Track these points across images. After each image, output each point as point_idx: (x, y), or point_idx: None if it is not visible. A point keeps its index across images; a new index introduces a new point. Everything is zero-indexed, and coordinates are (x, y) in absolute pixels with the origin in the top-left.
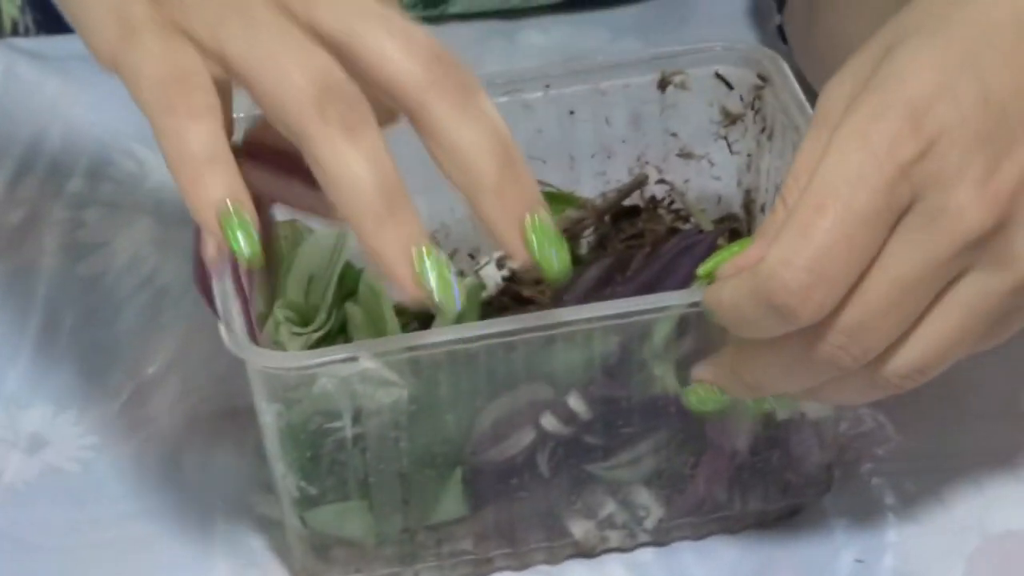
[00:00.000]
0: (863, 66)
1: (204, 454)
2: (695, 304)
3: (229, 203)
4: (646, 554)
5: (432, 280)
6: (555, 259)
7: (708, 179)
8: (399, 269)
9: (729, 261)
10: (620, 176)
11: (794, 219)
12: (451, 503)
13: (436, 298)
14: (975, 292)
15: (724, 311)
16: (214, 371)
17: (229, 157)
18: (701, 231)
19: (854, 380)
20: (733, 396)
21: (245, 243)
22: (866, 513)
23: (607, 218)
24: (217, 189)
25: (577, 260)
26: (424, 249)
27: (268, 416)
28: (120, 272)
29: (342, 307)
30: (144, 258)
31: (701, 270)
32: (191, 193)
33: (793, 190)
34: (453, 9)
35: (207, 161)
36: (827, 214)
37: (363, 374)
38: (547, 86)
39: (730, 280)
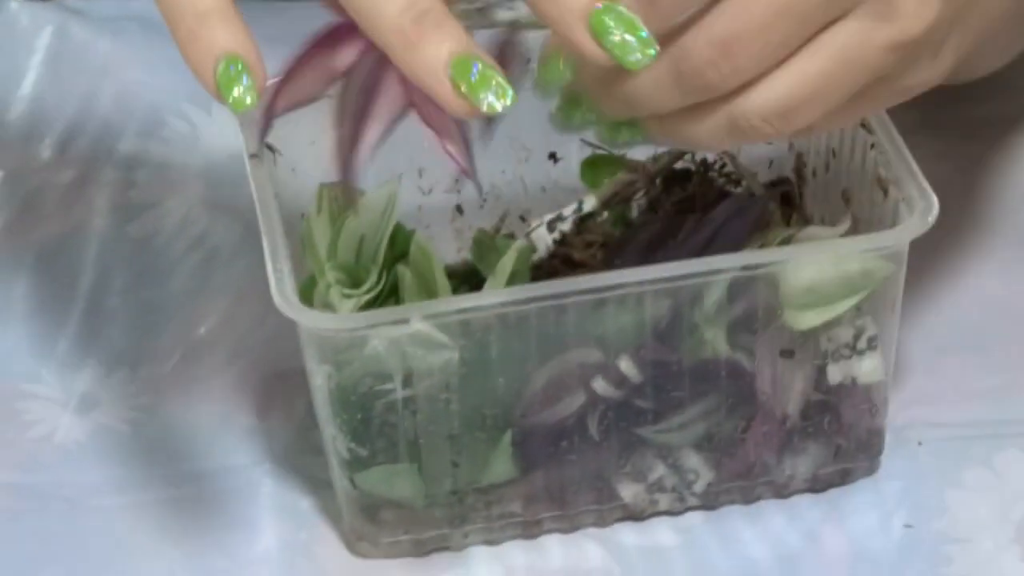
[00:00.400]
0: None
1: (254, 416)
2: (747, 268)
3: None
4: (695, 518)
5: (478, 90)
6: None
7: (759, 142)
8: (438, 88)
9: None
10: None
11: None
12: (501, 465)
13: (483, 107)
14: (850, 38)
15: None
16: (265, 333)
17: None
18: (752, 195)
19: (714, 115)
20: (594, 99)
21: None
22: (916, 479)
23: (658, 181)
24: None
25: (628, 223)
26: (462, 59)
27: (319, 378)
28: (171, 233)
29: (393, 269)
30: (195, 219)
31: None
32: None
33: None
34: None
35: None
36: None
37: (414, 336)
38: None
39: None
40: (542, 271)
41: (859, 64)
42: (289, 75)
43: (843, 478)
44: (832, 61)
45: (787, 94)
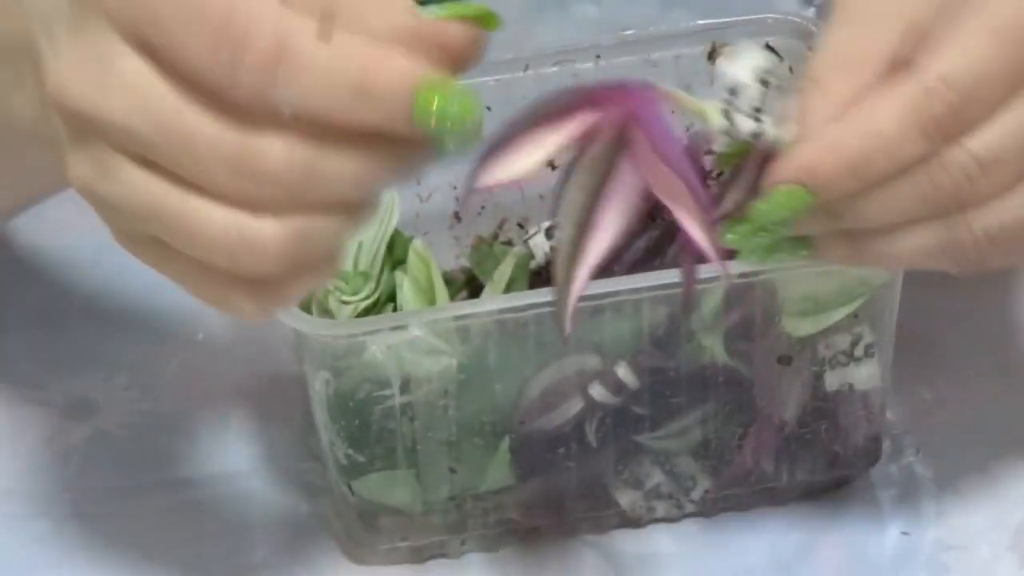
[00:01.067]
0: None
1: (252, 422)
2: (745, 275)
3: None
4: (692, 525)
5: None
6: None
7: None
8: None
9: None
10: None
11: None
12: (498, 472)
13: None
14: None
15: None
16: (264, 339)
17: None
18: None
19: (937, 229)
20: (822, 202)
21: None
22: (913, 486)
23: None
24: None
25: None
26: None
27: (317, 384)
28: None
29: (391, 275)
30: None
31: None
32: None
33: (825, 72)
34: None
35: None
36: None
37: (412, 342)
38: (598, 57)
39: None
40: (540, 278)
41: None
42: (500, 148)
43: (840, 485)
44: None
45: (1017, 217)
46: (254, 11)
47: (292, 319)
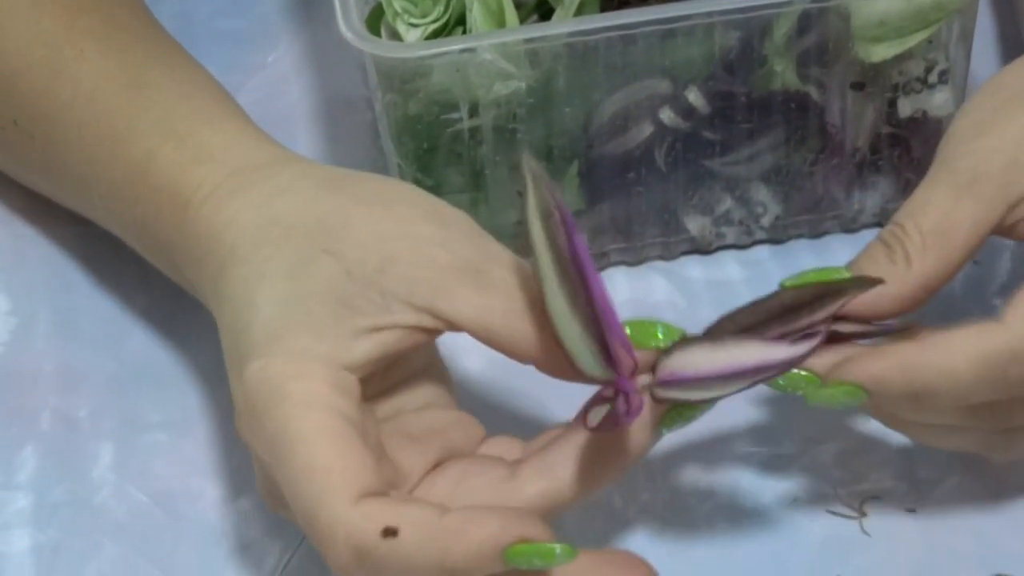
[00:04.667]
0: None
1: (321, 143)
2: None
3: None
4: (762, 251)
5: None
6: None
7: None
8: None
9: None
10: None
11: None
12: (567, 196)
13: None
14: None
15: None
16: (334, 62)
17: None
18: None
19: (976, 439)
20: (876, 411)
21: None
22: None
23: None
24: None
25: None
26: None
27: (384, 107)
28: None
29: None
30: None
31: (789, 282)
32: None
33: (915, 236)
34: None
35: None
36: None
37: (481, 65)
38: None
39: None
40: (612, 1)
41: None
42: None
43: None
44: None
45: None
46: (327, 522)
47: (360, 42)
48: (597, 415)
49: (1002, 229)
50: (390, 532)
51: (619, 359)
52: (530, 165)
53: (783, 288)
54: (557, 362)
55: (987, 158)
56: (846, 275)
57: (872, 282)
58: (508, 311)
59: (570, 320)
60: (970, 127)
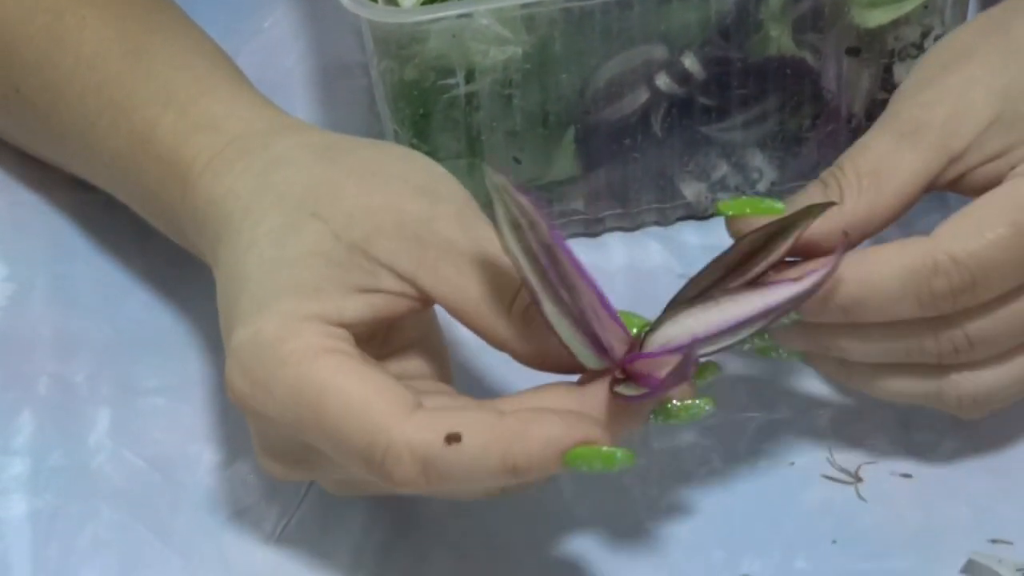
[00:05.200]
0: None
1: (318, 108)
2: None
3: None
4: None
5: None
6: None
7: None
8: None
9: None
10: None
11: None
12: (563, 162)
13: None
14: None
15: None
16: (329, 27)
17: None
18: None
19: (921, 380)
20: (797, 344)
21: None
22: None
23: None
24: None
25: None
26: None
27: (381, 73)
28: None
29: None
30: None
31: (723, 206)
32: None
33: (851, 175)
34: None
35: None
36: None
37: (477, 31)
38: None
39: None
40: None
41: None
42: None
43: None
44: None
45: (1003, 386)
46: (387, 445)
47: (356, 7)
48: (628, 389)
49: (947, 183)
50: (453, 438)
51: (611, 346)
52: (492, 179)
53: (737, 235)
54: (531, 355)
55: (929, 109)
56: (780, 207)
57: (821, 208)
58: (482, 298)
59: (560, 320)
60: (916, 83)
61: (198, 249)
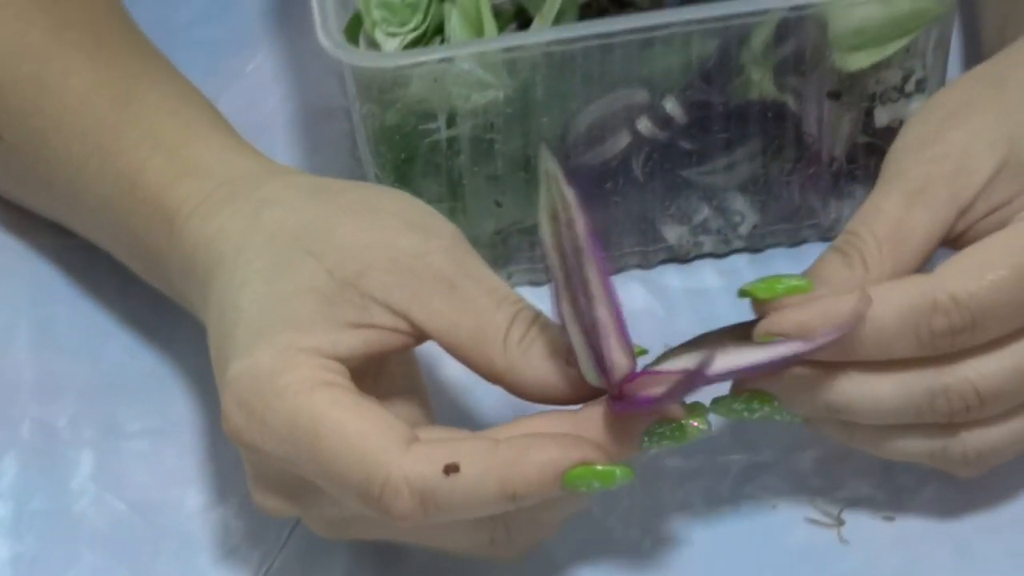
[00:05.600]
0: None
1: (299, 152)
2: (796, 8)
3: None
4: (739, 260)
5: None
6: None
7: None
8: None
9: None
10: None
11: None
12: None
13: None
14: None
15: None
16: (312, 71)
17: None
18: None
19: (929, 439)
20: (801, 409)
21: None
22: None
23: None
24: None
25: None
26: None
27: (362, 117)
28: None
29: (439, 6)
30: None
31: (749, 287)
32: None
33: (870, 242)
34: None
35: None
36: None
37: (459, 75)
38: None
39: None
40: (590, 10)
41: None
42: None
43: None
44: None
45: (1008, 442)
46: (384, 478)
47: (338, 51)
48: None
49: (951, 238)
50: (452, 468)
51: (611, 367)
52: (546, 163)
53: (763, 316)
54: (527, 387)
55: (937, 165)
56: (802, 282)
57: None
58: (476, 331)
59: (572, 323)
60: (917, 139)
61: (183, 295)
